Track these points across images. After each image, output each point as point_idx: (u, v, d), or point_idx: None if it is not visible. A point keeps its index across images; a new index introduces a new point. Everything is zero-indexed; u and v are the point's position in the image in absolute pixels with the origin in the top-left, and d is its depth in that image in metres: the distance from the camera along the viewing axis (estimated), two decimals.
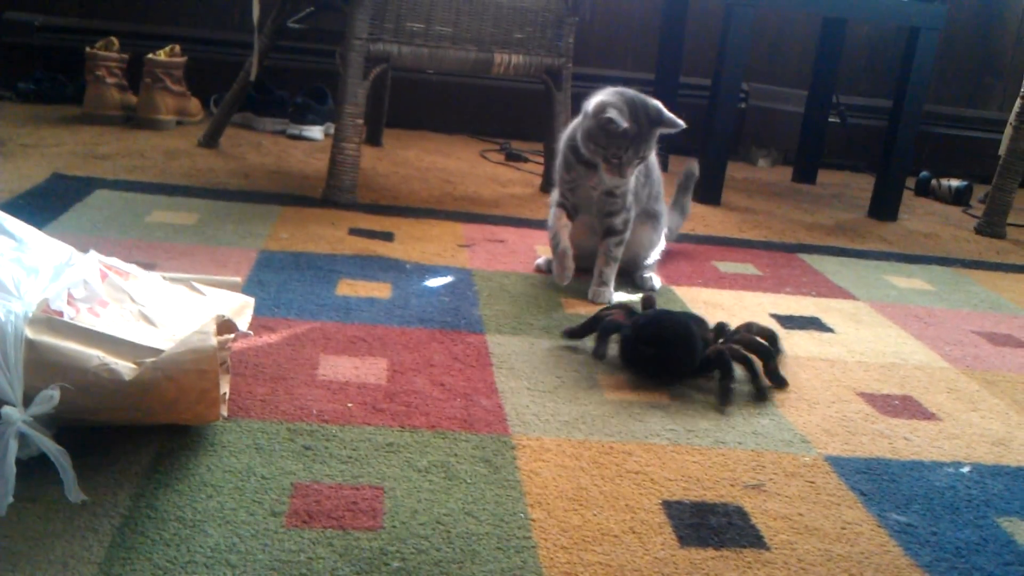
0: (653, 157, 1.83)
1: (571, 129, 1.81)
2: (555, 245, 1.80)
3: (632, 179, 1.77)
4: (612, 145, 1.69)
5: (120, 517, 0.95)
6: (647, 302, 1.63)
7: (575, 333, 1.55)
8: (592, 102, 1.72)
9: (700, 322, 1.52)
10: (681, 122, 1.74)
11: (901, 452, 1.29)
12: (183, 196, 2.14)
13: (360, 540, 0.95)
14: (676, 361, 1.43)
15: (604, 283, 1.79)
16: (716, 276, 2.02)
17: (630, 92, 1.76)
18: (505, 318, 1.62)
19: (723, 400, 1.38)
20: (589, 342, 1.52)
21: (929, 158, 3.64)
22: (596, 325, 1.51)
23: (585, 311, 1.67)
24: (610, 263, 1.80)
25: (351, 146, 2.24)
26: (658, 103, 1.75)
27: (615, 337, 1.49)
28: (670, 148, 3.21)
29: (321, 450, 1.12)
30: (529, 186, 2.71)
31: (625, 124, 1.66)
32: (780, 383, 1.46)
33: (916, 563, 1.03)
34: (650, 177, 1.88)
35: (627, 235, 1.82)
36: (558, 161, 1.85)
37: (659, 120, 1.73)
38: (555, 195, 1.86)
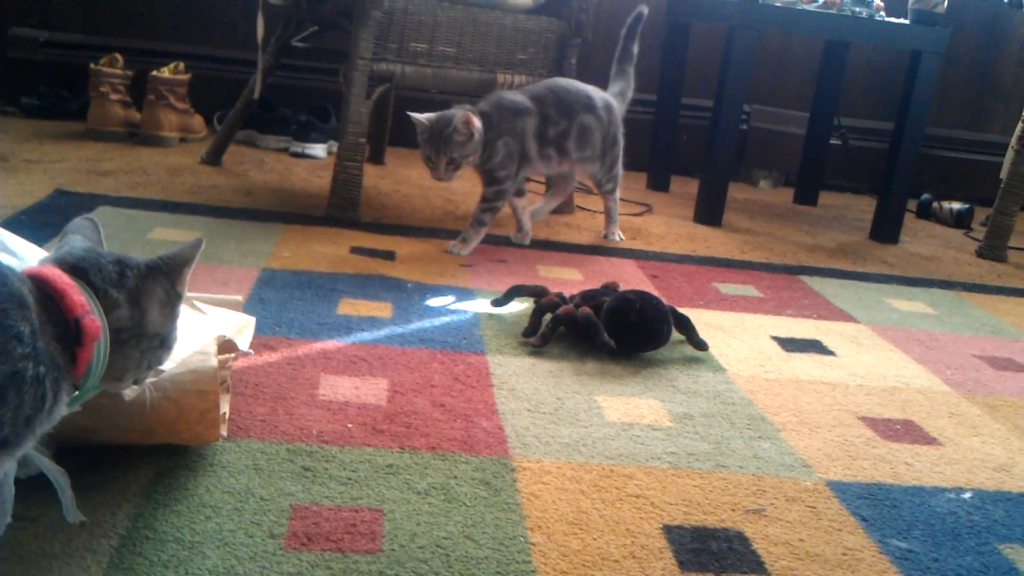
0: None
1: None
2: None
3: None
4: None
5: (118, 538, 0.94)
6: (612, 286, 1.77)
7: (499, 301, 1.74)
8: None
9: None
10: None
11: (902, 477, 1.29)
12: (185, 213, 2.14)
13: (359, 563, 0.95)
14: (658, 332, 1.61)
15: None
16: (717, 297, 2.02)
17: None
18: (506, 338, 1.62)
19: (702, 346, 1.66)
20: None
21: (930, 181, 3.65)
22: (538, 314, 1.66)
23: None
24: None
25: (354, 164, 2.25)
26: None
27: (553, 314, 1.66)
28: (671, 169, 3.23)
29: (320, 471, 1.11)
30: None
31: None
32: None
33: None
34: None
35: None
36: None
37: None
38: None
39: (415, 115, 2.02)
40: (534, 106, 2.18)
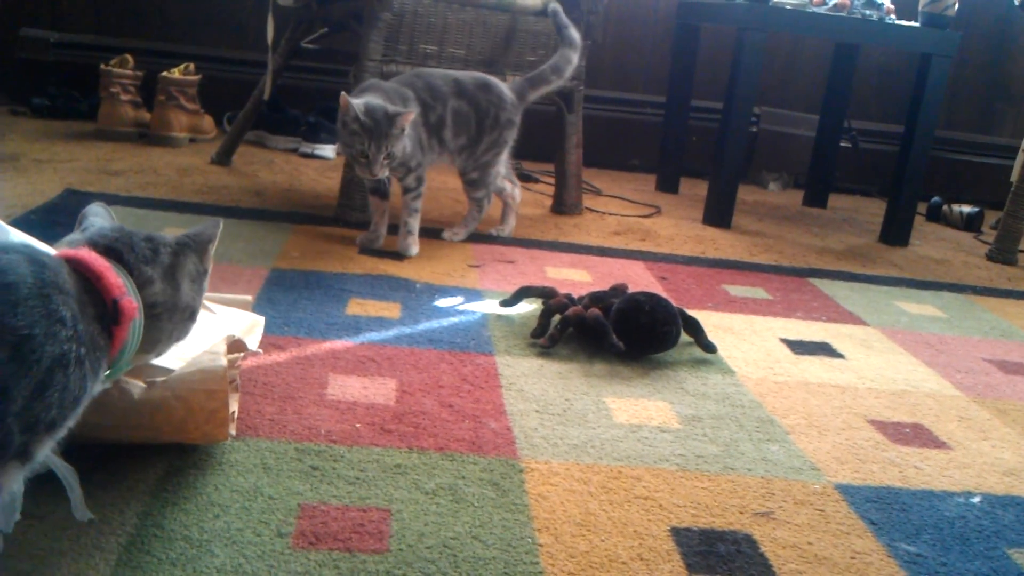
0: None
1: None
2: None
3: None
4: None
5: (127, 536, 0.95)
6: (621, 288, 1.75)
7: (508, 302, 1.73)
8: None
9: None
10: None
11: (911, 481, 1.28)
12: (195, 213, 2.14)
13: (367, 563, 0.95)
14: (667, 334, 1.61)
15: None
16: (726, 300, 2.01)
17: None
18: (515, 339, 1.61)
19: (711, 348, 1.66)
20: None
21: (940, 184, 3.64)
22: (547, 316, 1.66)
23: None
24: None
25: None
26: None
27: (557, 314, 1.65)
28: (681, 171, 3.23)
29: (328, 471, 1.11)
30: (539, 207, 2.71)
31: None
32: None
33: None
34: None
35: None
36: None
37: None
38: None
39: (353, 100, 1.87)
40: (411, 92, 2.06)
